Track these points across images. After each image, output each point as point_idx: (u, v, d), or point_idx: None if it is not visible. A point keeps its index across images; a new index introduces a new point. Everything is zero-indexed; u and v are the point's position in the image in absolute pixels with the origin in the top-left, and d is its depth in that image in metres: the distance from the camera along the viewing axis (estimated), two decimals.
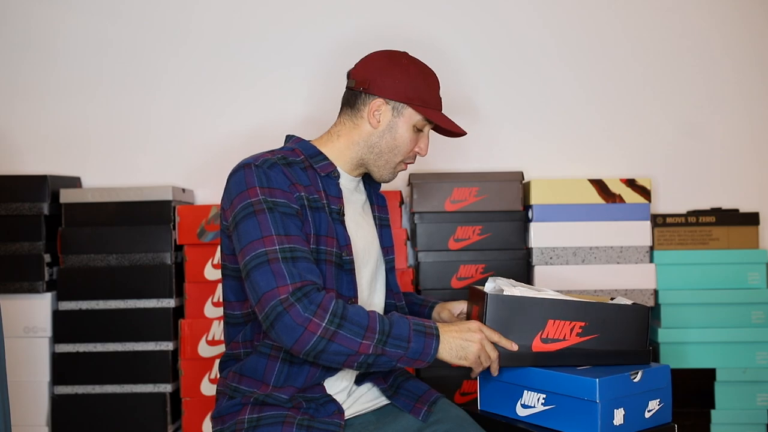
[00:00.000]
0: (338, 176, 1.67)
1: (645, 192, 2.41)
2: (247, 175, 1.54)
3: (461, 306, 1.84)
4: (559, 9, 2.66)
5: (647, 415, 1.64)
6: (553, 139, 2.65)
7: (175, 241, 2.40)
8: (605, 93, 2.65)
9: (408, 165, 1.73)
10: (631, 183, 2.41)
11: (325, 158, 1.66)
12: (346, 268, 1.61)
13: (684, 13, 2.65)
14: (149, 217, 2.39)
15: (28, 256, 2.36)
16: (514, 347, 1.58)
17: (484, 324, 1.60)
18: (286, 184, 1.55)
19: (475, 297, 1.77)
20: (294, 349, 1.45)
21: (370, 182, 1.81)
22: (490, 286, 1.77)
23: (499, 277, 1.79)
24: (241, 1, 2.66)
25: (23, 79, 2.64)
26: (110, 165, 2.62)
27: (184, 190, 2.52)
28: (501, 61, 2.66)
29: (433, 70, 1.71)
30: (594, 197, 2.40)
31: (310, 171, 1.63)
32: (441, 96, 1.71)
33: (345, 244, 1.61)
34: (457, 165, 2.61)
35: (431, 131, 1.73)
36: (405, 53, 1.69)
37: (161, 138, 2.64)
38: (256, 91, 2.64)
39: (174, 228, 2.40)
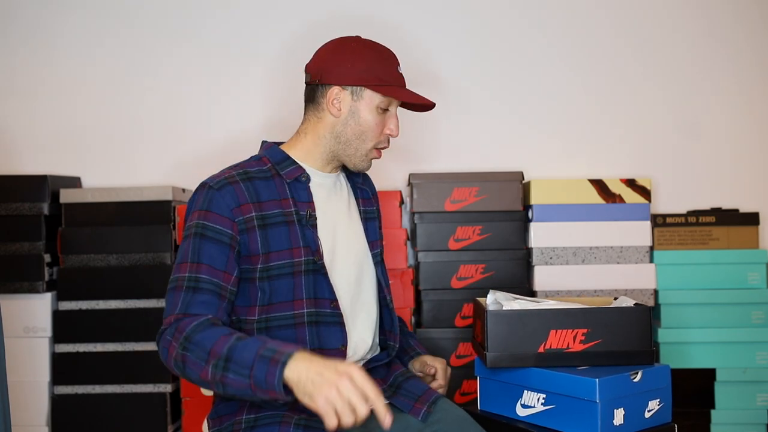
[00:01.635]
0: (307, 179, 1.64)
1: (645, 192, 2.41)
2: (197, 197, 1.58)
3: (435, 364, 1.76)
4: (559, 9, 2.66)
5: (647, 415, 1.64)
6: (553, 139, 2.65)
7: (175, 241, 2.40)
8: (605, 93, 2.65)
9: (382, 150, 1.68)
10: (631, 183, 2.41)
11: (292, 163, 1.65)
12: (322, 272, 1.60)
13: (684, 13, 2.65)
14: (149, 217, 2.39)
15: (28, 256, 2.36)
16: (388, 420, 1.28)
17: (486, 345, 1.63)
18: (230, 207, 1.55)
19: (478, 311, 1.78)
20: (169, 369, 1.49)
21: (351, 176, 1.78)
22: (490, 299, 1.78)
23: (499, 291, 1.80)
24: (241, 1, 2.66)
25: (23, 79, 2.64)
26: (110, 165, 2.63)
27: (184, 190, 2.52)
28: (501, 61, 2.66)
29: (387, 47, 1.67)
30: (594, 197, 2.40)
31: (277, 179, 1.62)
32: (402, 72, 1.66)
33: (316, 249, 1.60)
34: (457, 165, 2.61)
35: (406, 110, 1.71)
36: (356, 37, 1.67)
37: (161, 138, 2.64)
38: (258, 91, 2.64)
39: (174, 228, 2.40)
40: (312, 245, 1.59)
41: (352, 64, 1.62)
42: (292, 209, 1.60)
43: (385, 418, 1.27)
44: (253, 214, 1.56)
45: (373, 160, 1.70)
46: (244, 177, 1.59)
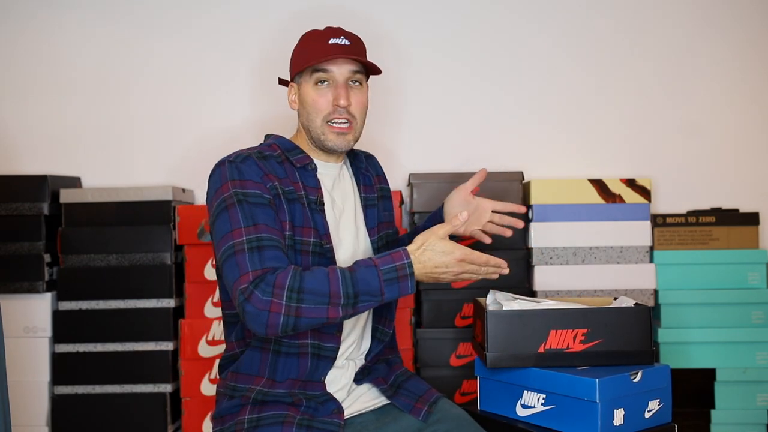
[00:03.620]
0: (315, 168, 1.68)
1: (645, 192, 2.41)
2: (222, 172, 1.58)
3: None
4: (559, 9, 2.66)
5: (647, 415, 1.64)
6: (553, 139, 2.64)
7: (175, 241, 2.40)
8: (605, 93, 2.65)
9: (343, 122, 1.65)
10: (631, 183, 2.41)
11: (301, 151, 1.69)
12: (327, 256, 1.61)
13: (684, 13, 2.65)
14: (149, 217, 2.39)
15: (28, 256, 2.36)
16: (504, 268, 1.55)
17: (486, 345, 1.66)
18: (259, 175, 1.57)
19: (478, 311, 1.79)
20: (268, 333, 1.46)
21: (355, 162, 1.81)
22: (490, 299, 1.78)
23: (499, 291, 1.81)
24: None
25: (23, 79, 2.64)
26: (110, 165, 2.62)
27: (184, 190, 2.52)
28: (501, 62, 2.66)
29: (331, 27, 1.69)
30: (594, 197, 2.40)
31: (287, 164, 1.65)
32: (340, 42, 1.65)
33: (324, 233, 1.62)
34: (457, 165, 2.61)
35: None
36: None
37: (161, 138, 2.64)
38: (259, 90, 2.64)
39: (174, 228, 2.40)
40: (321, 229, 1.62)
41: (293, 56, 1.72)
42: (302, 192, 1.63)
43: (502, 267, 1.55)
44: (277, 184, 1.59)
45: (371, 152, 1.75)
46: (259, 156, 1.62)
